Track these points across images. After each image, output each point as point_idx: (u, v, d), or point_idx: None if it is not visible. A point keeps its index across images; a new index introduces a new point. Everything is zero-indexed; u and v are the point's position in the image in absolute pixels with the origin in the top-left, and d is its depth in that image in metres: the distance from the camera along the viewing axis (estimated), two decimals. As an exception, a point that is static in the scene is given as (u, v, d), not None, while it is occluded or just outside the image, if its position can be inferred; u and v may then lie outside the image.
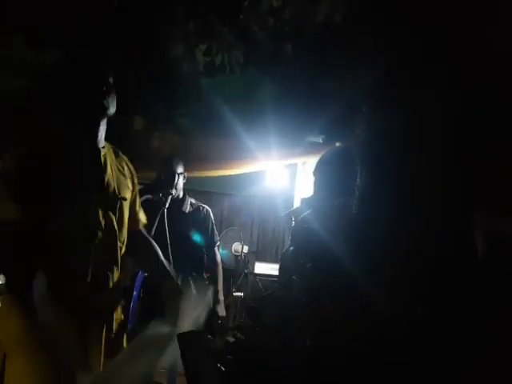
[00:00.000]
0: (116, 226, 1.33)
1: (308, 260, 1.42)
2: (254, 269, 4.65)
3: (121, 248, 1.37)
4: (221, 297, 2.65)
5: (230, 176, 3.08)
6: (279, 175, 3.25)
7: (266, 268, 4.59)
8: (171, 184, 2.44)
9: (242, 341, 1.04)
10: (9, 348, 1.22)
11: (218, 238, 2.82)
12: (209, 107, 2.90)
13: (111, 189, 1.34)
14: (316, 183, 1.93)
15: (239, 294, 4.01)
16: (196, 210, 2.66)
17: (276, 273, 4.51)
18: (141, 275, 2.74)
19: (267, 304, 1.31)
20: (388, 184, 1.58)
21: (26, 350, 1.19)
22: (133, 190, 1.45)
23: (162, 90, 2.88)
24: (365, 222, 1.42)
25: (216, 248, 2.76)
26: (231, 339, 1.05)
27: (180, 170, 2.50)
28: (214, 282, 2.63)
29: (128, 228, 1.41)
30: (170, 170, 2.47)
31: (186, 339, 1.06)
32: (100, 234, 1.28)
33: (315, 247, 1.53)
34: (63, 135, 1.33)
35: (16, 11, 2.29)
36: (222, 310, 2.62)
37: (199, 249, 2.63)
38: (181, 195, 2.57)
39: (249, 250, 4.98)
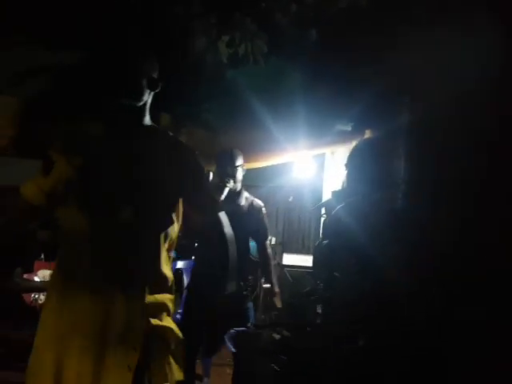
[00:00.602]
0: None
1: (350, 257, 1.38)
2: (281, 260, 4.63)
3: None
4: (276, 289, 2.69)
5: (256, 168, 3.04)
6: (306, 166, 3.18)
7: (294, 259, 4.56)
8: (231, 176, 2.43)
9: (288, 339, 1.02)
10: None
11: (269, 233, 2.82)
12: (234, 100, 2.85)
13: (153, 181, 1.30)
14: (348, 176, 1.87)
15: (268, 285, 4.00)
16: (250, 204, 2.64)
17: (304, 264, 4.48)
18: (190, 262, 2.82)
19: (309, 302, 1.28)
20: (431, 175, 1.51)
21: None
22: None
23: (186, 86, 2.85)
24: (409, 218, 1.36)
25: (268, 242, 2.78)
26: (277, 336, 1.03)
27: (240, 162, 2.50)
28: (266, 275, 2.67)
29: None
30: (230, 162, 2.47)
31: (241, 338, 1.05)
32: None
33: (352, 244, 1.48)
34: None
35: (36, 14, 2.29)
36: (278, 302, 2.67)
37: (247, 241, 2.64)
38: (238, 188, 2.55)
39: (276, 241, 4.96)
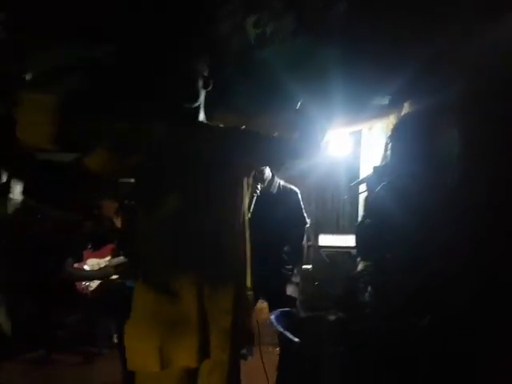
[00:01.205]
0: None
1: (398, 239, 1.36)
2: (317, 241, 4.61)
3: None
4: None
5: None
6: (342, 143, 3.12)
7: (330, 240, 4.52)
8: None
9: (344, 320, 1.02)
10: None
11: (308, 220, 2.87)
12: (265, 82, 2.80)
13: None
14: (392, 151, 1.82)
15: (307, 266, 4.01)
16: (284, 191, 2.63)
17: (340, 244, 4.44)
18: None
19: (362, 283, 1.27)
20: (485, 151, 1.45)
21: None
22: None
23: (216, 71, 2.84)
24: (461, 199, 1.32)
25: (304, 228, 2.84)
26: (332, 317, 1.04)
27: None
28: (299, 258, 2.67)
29: None
30: None
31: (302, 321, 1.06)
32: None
33: (399, 225, 1.45)
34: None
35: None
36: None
37: (282, 230, 2.64)
38: (269, 177, 2.54)
39: (310, 222, 4.94)
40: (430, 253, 1.33)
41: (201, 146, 1.35)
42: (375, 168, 1.88)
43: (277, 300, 2.48)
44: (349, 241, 4.16)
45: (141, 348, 1.25)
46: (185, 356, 1.24)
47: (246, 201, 1.45)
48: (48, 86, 2.46)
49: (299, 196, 2.71)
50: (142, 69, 1.53)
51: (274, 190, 2.59)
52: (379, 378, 1.03)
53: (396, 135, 1.77)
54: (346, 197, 3.81)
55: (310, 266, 4.14)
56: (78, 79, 2.44)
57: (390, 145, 1.77)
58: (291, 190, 2.68)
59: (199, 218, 1.29)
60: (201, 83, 1.37)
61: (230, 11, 2.60)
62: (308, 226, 3.93)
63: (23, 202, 2.64)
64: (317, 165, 2.85)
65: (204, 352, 1.26)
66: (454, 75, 1.84)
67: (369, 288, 1.32)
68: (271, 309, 2.44)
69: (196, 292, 1.27)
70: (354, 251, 4.01)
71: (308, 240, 4.92)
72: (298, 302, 2.44)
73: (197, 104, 1.37)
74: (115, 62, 2.03)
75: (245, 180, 1.44)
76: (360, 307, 1.17)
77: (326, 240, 4.69)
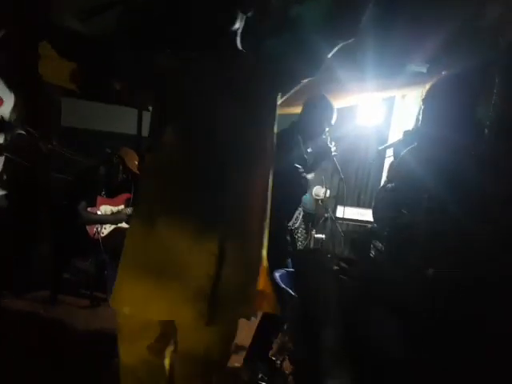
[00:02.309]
0: None
1: (419, 197, 1.25)
2: (335, 212, 4.50)
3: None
4: None
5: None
6: (372, 111, 2.93)
7: (348, 212, 4.40)
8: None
9: (346, 270, 0.95)
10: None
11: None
12: (298, 38, 2.64)
13: None
14: (424, 114, 1.68)
15: (320, 235, 3.93)
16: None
17: (359, 217, 4.33)
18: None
19: (373, 237, 1.19)
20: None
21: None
22: None
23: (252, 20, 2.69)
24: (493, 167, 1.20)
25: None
26: (335, 267, 0.97)
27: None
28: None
29: None
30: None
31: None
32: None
33: (423, 187, 1.34)
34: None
35: None
36: None
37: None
38: None
39: (330, 194, 4.81)
40: (454, 221, 1.21)
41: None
42: (405, 132, 1.75)
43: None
44: (367, 215, 4.05)
45: (123, 288, 1.20)
46: (161, 308, 1.15)
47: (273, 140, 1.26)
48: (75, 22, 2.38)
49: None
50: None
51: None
52: (380, 328, 0.97)
53: (430, 97, 1.62)
54: (372, 161, 3.66)
55: (322, 236, 4.06)
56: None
57: (422, 108, 1.63)
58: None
59: (209, 151, 1.16)
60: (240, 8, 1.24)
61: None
62: (327, 195, 3.80)
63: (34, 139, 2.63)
64: (344, 135, 2.70)
65: (180, 309, 1.14)
66: (494, 40, 1.68)
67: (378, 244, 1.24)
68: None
69: (188, 236, 1.14)
70: (371, 225, 3.89)
71: (326, 211, 4.82)
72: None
73: (234, 27, 1.24)
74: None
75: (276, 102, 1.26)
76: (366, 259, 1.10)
77: (343, 212, 4.58)
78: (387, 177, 1.82)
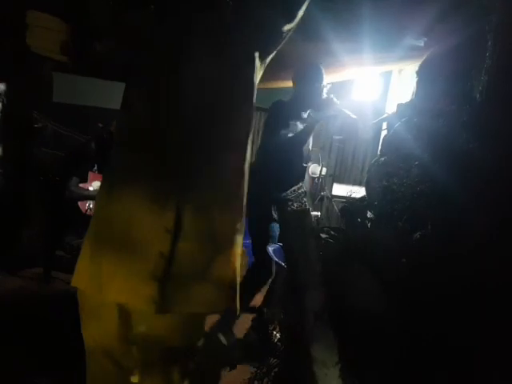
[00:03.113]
0: None
1: (411, 168, 1.22)
2: (331, 191, 4.49)
3: None
4: None
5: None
6: (369, 86, 2.87)
7: (344, 190, 4.38)
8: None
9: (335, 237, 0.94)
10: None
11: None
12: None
13: None
14: (418, 87, 1.63)
15: (316, 213, 3.91)
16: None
17: (354, 195, 4.32)
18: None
19: (362, 207, 1.17)
20: None
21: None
22: None
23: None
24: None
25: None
26: (323, 235, 0.96)
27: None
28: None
29: None
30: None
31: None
32: None
33: (415, 159, 1.31)
34: None
35: None
36: None
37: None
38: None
39: (326, 172, 4.78)
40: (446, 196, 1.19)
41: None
42: (399, 105, 1.70)
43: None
44: (363, 192, 4.03)
45: (82, 264, 1.08)
46: (114, 288, 1.03)
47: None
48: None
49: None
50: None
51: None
52: (363, 290, 0.96)
53: (424, 71, 1.58)
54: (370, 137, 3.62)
55: (318, 213, 4.05)
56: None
57: (416, 81, 1.58)
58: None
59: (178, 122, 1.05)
60: None
61: None
62: (323, 173, 3.77)
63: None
64: (341, 113, 2.66)
65: (131, 292, 1.02)
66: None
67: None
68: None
69: (144, 206, 1.03)
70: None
71: (322, 190, 4.81)
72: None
73: None
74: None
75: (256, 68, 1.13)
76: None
77: (339, 190, 4.57)
78: (380, 150, 1.78)
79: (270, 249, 1.66)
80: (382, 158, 1.55)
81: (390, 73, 2.79)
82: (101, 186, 1.14)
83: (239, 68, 1.11)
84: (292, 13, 1.13)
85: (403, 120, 1.53)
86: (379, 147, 2.77)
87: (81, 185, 3.07)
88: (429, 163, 1.20)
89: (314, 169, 4.54)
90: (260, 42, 1.14)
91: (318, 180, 4.73)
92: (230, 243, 1.09)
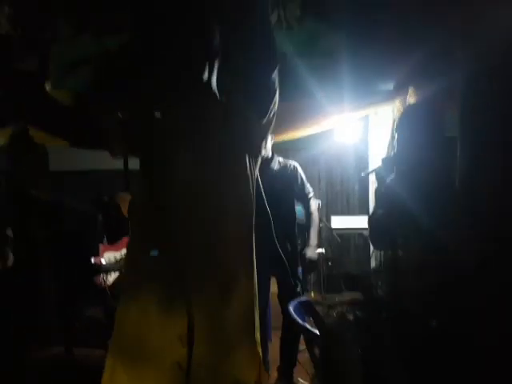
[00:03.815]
0: None
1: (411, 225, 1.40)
2: (330, 223, 4.65)
3: None
4: (312, 242, 2.78)
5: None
6: (349, 130, 3.13)
7: (342, 221, 4.57)
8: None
9: (363, 320, 1.07)
10: None
11: (311, 190, 2.95)
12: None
13: None
14: (398, 141, 1.83)
15: (320, 250, 4.04)
16: (283, 166, 2.77)
17: (351, 226, 4.48)
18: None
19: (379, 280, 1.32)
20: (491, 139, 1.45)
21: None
22: None
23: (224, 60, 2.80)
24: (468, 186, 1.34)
25: (310, 199, 2.93)
26: (350, 316, 1.08)
27: None
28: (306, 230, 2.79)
29: None
30: None
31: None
32: None
33: (411, 213, 1.48)
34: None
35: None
36: (311, 252, 2.75)
37: (290, 202, 2.77)
38: (270, 155, 2.67)
39: (320, 204, 4.96)
40: (444, 241, 1.36)
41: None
42: (383, 159, 1.90)
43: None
44: (360, 222, 4.20)
45: (105, 378, 1.08)
46: None
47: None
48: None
49: (299, 169, 2.83)
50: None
51: (275, 166, 2.72)
52: (393, 373, 1.09)
53: (402, 125, 1.78)
54: (356, 187, 3.87)
55: (322, 250, 4.19)
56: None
57: (396, 135, 1.78)
58: (290, 164, 2.81)
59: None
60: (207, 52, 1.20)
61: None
62: (315, 201, 3.94)
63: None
64: (325, 150, 2.84)
65: None
66: (457, 61, 1.82)
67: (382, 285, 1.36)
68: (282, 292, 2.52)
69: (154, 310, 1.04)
70: (365, 232, 4.02)
71: (320, 221, 4.97)
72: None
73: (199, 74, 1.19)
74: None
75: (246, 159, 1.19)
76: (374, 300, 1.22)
77: (338, 221, 4.74)
78: (375, 203, 1.96)
79: (291, 308, 1.74)
80: (379, 211, 1.73)
81: (367, 116, 3.04)
82: (121, 293, 1.16)
83: (229, 168, 1.16)
84: (264, 111, 1.20)
85: (393, 174, 1.72)
86: (369, 191, 3.00)
87: (93, 258, 3.18)
88: (422, 215, 1.37)
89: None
90: (246, 143, 1.21)
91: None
92: (246, 341, 1.09)
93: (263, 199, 2.18)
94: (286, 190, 2.68)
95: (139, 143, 1.21)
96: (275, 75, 1.21)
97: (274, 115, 1.23)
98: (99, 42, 2.42)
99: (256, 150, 1.24)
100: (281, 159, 2.79)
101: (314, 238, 2.82)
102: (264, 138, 1.25)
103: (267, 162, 2.64)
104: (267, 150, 2.58)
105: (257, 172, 1.25)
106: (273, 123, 1.24)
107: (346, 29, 2.56)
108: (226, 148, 1.16)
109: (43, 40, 2.44)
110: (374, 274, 1.46)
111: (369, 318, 1.09)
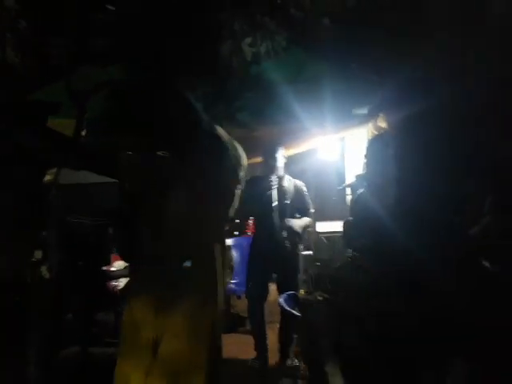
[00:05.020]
0: None
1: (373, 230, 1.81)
2: (315, 228, 5.07)
3: None
4: (300, 222, 3.29)
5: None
6: (330, 149, 3.65)
7: (327, 226, 5.00)
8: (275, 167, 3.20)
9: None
10: None
11: (311, 204, 3.49)
12: (262, 96, 3.19)
13: None
14: (367, 164, 2.24)
15: (309, 252, 4.47)
16: (292, 184, 3.33)
17: (334, 229, 4.91)
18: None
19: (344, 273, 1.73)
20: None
21: None
22: None
23: (218, 88, 3.16)
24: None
25: (309, 211, 3.46)
26: (319, 297, 1.48)
27: (281, 153, 3.24)
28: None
29: None
30: (273, 155, 3.21)
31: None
32: None
33: (373, 221, 1.90)
34: None
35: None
36: (294, 223, 3.24)
37: (294, 212, 3.31)
38: (282, 174, 3.27)
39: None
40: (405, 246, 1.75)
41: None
42: (357, 176, 2.32)
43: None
44: (339, 226, 4.65)
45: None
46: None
47: None
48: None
49: (304, 187, 3.40)
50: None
51: (285, 183, 3.28)
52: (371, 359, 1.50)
53: (369, 150, 2.17)
54: (334, 198, 4.36)
55: (310, 252, 4.63)
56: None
57: (366, 159, 2.19)
58: (297, 182, 3.38)
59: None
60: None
61: (230, 32, 2.95)
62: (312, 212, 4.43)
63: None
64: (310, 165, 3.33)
65: None
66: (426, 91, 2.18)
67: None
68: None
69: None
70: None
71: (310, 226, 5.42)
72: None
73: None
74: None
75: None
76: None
77: (323, 226, 5.19)
78: (349, 211, 2.39)
79: (281, 300, 2.14)
80: (351, 219, 2.16)
81: (343, 137, 3.52)
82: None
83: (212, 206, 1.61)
84: (237, 175, 1.70)
85: (362, 190, 2.14)
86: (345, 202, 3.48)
87: (104, 267, 3.53)
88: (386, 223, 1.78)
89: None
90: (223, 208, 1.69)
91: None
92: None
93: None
94: (292, 202, 3.24)
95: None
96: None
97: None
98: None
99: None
100: (290, 178, 3.35)
101: (303, 220, 3.32)
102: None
103: (280, 179, 3.23)
104: (280, 169, 3.19)
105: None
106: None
107: (327, 59, 2.98)
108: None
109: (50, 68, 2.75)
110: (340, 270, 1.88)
111: (339, 305, 1.51)
